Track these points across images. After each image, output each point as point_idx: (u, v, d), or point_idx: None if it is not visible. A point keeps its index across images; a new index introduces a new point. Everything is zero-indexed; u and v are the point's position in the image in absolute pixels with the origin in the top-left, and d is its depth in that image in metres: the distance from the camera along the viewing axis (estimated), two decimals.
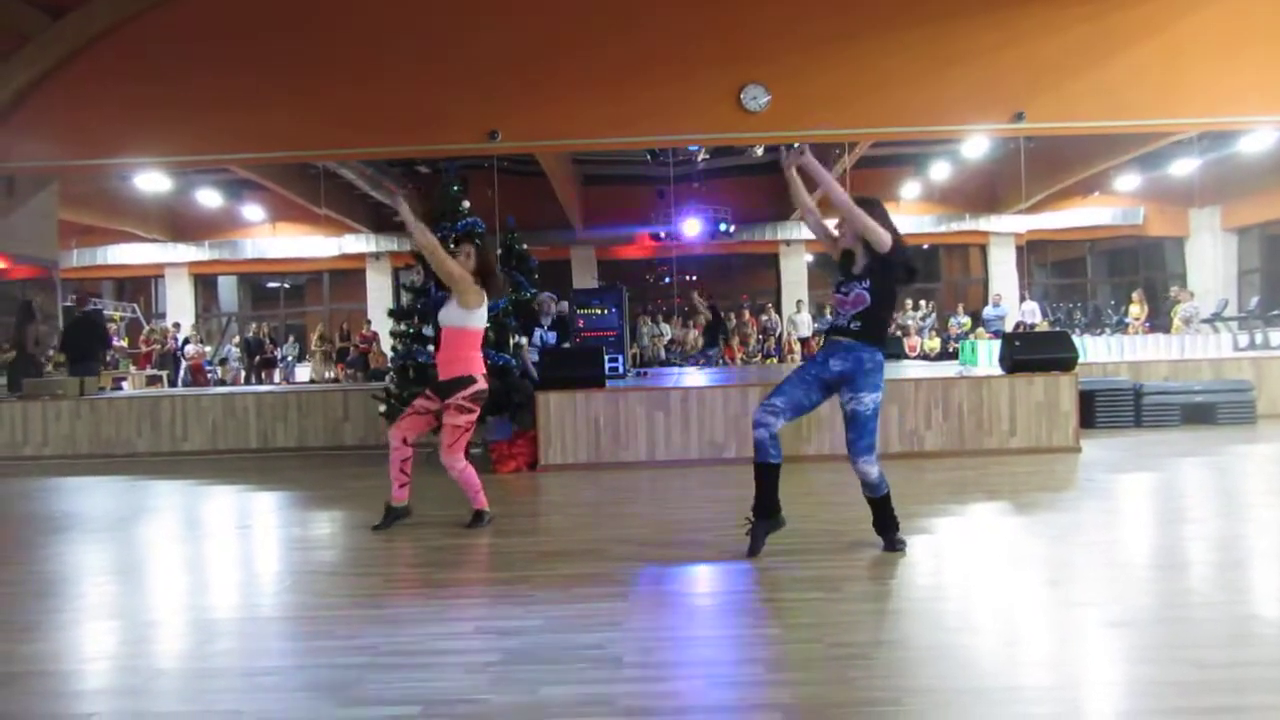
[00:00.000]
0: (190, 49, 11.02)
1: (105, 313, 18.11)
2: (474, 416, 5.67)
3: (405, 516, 5.84)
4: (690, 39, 11.05)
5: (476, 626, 3.77)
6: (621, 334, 12.26)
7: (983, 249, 23.80)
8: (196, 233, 23.08)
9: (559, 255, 22.77)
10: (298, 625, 3.93)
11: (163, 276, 23.85)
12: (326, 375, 20.45)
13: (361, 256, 23.42)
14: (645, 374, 13.30)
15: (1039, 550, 4.87)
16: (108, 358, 13.65)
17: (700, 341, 20.74)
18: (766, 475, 4.68)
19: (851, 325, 4.61)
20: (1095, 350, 12.43)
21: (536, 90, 11.10)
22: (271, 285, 25.83)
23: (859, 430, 4.58)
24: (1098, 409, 10.11)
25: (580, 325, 11.97)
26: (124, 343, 19.95)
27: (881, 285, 4.63)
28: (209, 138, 11.44)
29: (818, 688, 2.99)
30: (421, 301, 8.97)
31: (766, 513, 4.73)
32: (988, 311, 20.57)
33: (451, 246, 6.32)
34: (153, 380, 17.46)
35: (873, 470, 4.62)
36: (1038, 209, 22.04)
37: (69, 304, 15.09)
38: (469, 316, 5.63)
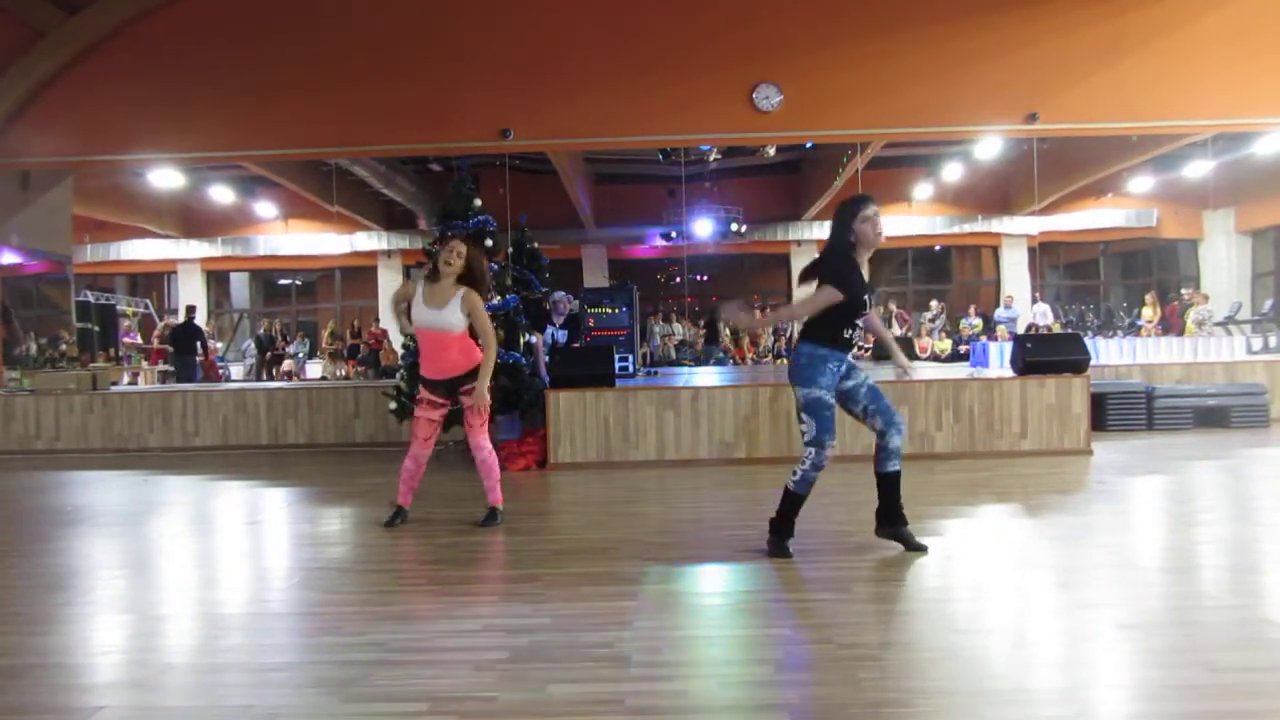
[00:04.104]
0: (204, 46, 11.07)
1: (114, 309, 19.73)
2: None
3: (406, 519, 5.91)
4: (702, 38, 11.04)
5: (485, 624, 3.77)
6: (632, 333, 12.25)
7: (995, 250, 23.71)
8: (209, 229, 23.17)
9: (570, 254, 22.80)
10: (307, 621, 3.94)
11: (175, 272, 23.94)
12: (337, 374, 20.49)
13: (373, 254, 23.46)
14: (655, 373, 13.29)
15: (1049, 552, 4.85)
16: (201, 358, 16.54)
17: (701, 340, 20.84)
18: (801, 504, 4.75)
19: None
20: (1107, 353, 12.37)
21: (548, 89, 11.11)
22: (283, 282, 25.88)
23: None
24: (1109, 411, 10.06)
25: (591, 324, 11.97)
26: (138, 338, 20.08)
27: None
28: (222, 134, 11.48)
29: (827, 688, 2.98)
30: None
31: (789, 534, 4.77)
32: (1000, 313, 20.51)
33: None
34: (165, 375, 17.55)
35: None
36: (1051, 210, 21.94)
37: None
38: (464, 322, 5.63)
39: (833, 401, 4.62)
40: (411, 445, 5.81)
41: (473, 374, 5.61)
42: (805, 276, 4.81)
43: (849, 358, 4.72)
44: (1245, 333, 15.92)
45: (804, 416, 4.62)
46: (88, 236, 21.10)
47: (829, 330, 4.61)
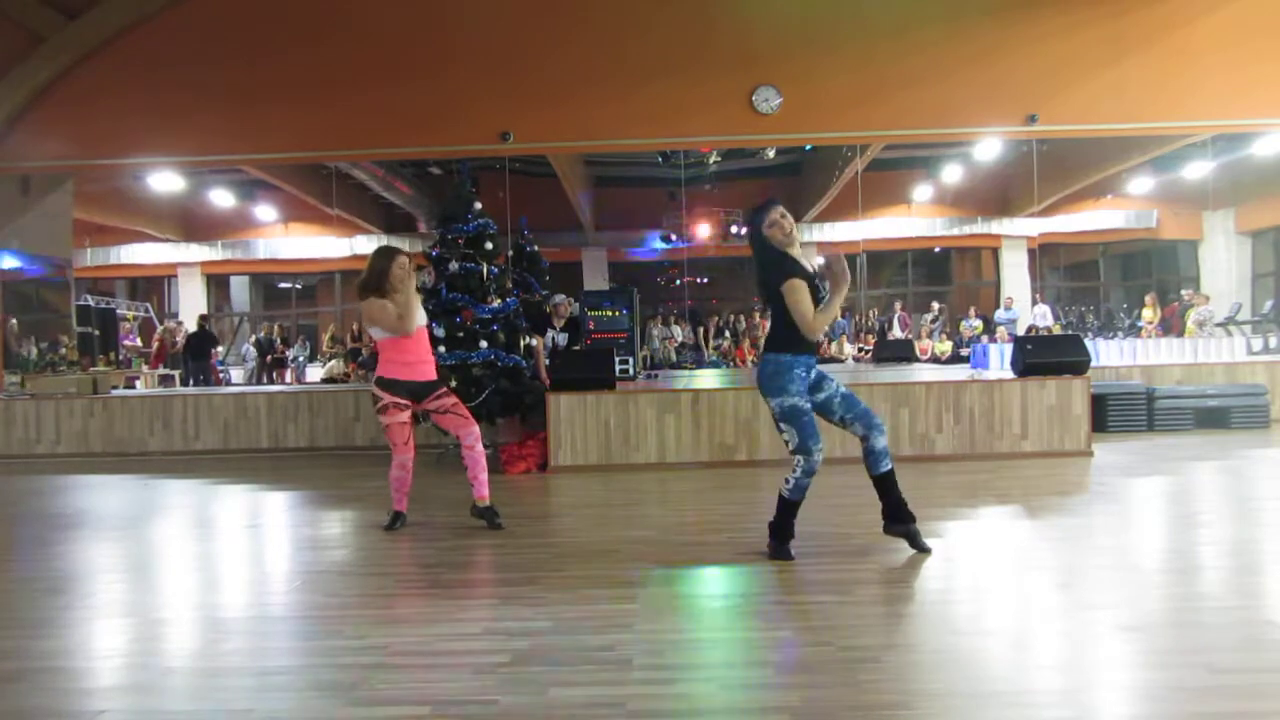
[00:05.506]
0: (204, 50, 11.08)
1: (116, 313, 20.35)
2: None
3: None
4: (702, 41, 11.05)
5: (486, 627, 3.77)
6: (632, 336, 12.24)
7: (995, 252, 23.68)
8: (209, 232, 23.15)
9: (570, 257, 22.80)
10: (308, 624, 3.94)
11: (175, 276, 23.94)
12: (339, 371, 20.45)
13: None
14: (656, 376, 13.28)
15: (1050, 554, 4.85)
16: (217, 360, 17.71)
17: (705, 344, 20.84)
18: (797, 510, 4.73)
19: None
20: (1108, 354, 12.34)
21: (548, 92, 11.12)
22: (283, 285, 25.87)
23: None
24: (1110, 413, 10.05)
25: (591, 327, 11.96)
26: (138, 341, 20.10)
27: None
28: (222, 137, 11.49)
29: (828, 690, 2.98)
30: (432, 303, 8.99)
31: (789, 536, 4.75)
32: (1000, 315, 20.50)
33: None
34: (165, 379, 17.54)
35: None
36: (1050, 212, 21.92)
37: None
38: None
39: (808, 406, 4.59)
40: (395, 453, 5.78)
41: (441, 381, 5.84)
42: (766, 295, 4.76)
43: (816, 364, 4.71)
44: (1245, 333, 15.89)
45: (783, 426, 4.62)
46: (88, 240, 21.10)
47: (789, 331, 4.59)
